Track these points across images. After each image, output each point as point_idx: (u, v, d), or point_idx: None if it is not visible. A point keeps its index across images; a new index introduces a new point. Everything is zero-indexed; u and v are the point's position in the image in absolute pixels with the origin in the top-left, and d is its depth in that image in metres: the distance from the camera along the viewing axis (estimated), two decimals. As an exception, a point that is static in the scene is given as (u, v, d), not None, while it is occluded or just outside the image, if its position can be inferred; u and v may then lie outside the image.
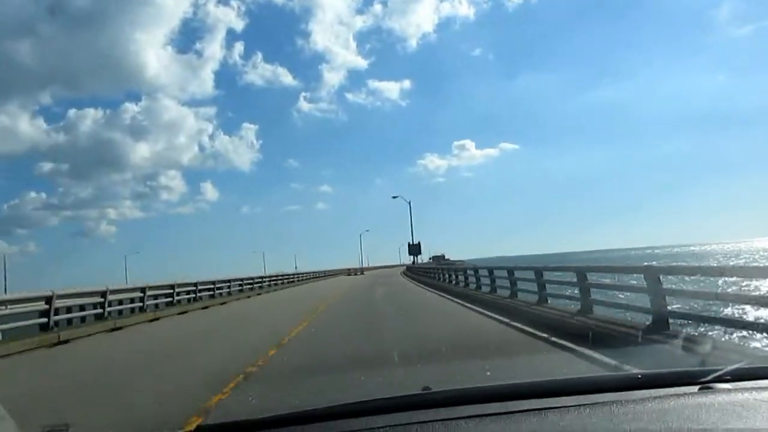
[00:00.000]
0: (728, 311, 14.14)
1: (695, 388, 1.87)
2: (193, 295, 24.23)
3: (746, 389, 1.79)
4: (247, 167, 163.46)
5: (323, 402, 1.83)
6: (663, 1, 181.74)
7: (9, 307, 12.20)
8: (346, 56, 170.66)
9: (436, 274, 32.93)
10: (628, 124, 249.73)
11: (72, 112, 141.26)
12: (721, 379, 1.92)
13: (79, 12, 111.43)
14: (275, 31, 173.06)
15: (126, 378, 7.76)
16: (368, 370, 6.69)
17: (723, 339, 8.81)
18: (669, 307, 8.39)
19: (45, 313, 12.85)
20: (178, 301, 22.23)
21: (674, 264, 27.60)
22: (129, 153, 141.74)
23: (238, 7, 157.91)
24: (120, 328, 14.52)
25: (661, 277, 8.54)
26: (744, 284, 20.37)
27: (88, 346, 11.81)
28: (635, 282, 10.93)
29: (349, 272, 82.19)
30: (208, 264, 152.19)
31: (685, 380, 1.96)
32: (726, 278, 16.61)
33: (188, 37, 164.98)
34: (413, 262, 63.75)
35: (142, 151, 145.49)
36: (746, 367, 2.01)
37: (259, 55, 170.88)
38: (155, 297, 20.81)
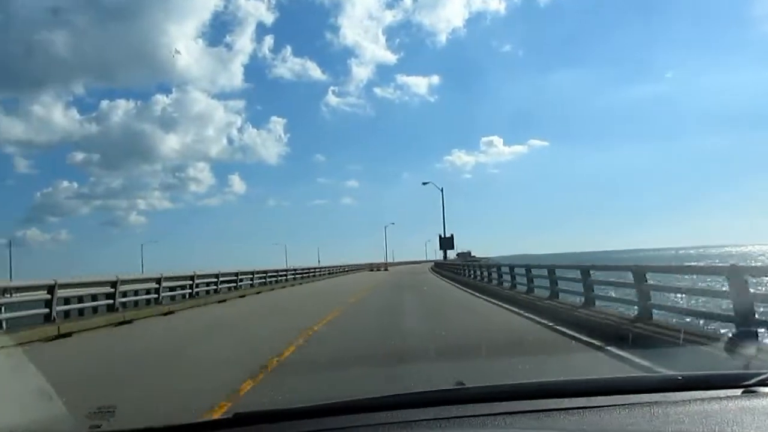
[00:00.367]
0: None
1: (738, 392, 1.81)
2: (214, 287, 23.39)
3: None
4: (275, 160, 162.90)
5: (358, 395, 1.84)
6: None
7: (6, 295, 11.26)
8: (375, 51, 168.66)
9: (467, 272, 31.52)
10: (662, 121, 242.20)
11: (104, 103, 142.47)
12: (765, 383, 1.84)
13: (112, 3, 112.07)
14: (305, 24, 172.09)
15: (101, 391, 6.10)
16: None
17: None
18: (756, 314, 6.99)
19: (48, 304, 11.95)
20: (197, 293, 21.33)
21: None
22: (159, 144, 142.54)
23: (269, 1, 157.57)
24: (129, 322, 13.53)
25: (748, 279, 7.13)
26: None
27: (88, 341, 10.82)
28: (705, 284, 9.50)
29: (371, 268, 74.31)
30: (230, 256, 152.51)
31: (728, 383, 1.90)
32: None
33: (219, 30, 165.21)
34: (444, 257, 55.65)
35: (171, 143, 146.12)
36: None
37: (289, 49, 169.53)
38: (172, 288, 19.96)
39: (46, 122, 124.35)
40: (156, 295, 18.00)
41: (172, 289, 20.07)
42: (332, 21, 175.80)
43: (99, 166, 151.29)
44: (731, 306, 7.31)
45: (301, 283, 36.06)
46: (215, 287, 23.30)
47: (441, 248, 54.06)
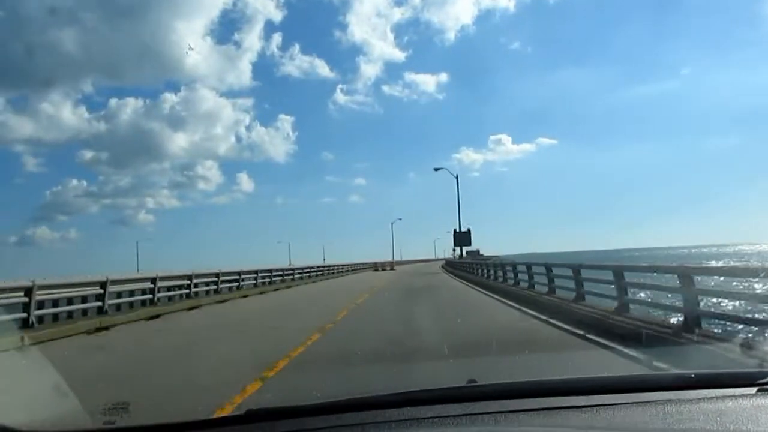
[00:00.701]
0: None
1: (753, 390, 1.80)
2: (215, 287, 22.36)
3: None
4: (283, 159, 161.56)
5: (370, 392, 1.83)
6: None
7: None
8: (384, 48, 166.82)
9: (478, 270, 30.18)
10: (672, 120, 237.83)
11: (113, 101, 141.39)
12: None
13: (121, 0, 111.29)
14: (313, 22, 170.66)
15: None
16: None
17: None
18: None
19: (25, 307, 10.89)
20: (195, 294, 20.32)
21: None
22: (167, 143, 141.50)
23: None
24: (106, 328, 12.07)
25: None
26: None
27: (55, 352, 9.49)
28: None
29: (376, 267, 66.79)
30: (234, 254, 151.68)
31: (742, 381, 1.89)
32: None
33: (227, 28, 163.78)
34: (460, 255, 47.97)
35: (180, 141, 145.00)
36: None
37: (297, 47, 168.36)
38: (168, 289, 18.95)
39: (55, 120, 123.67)
40: (150, 296, 16.93)
41: (170, 289, 19.16)
42: (340, 18, 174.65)
43: (108, 164, 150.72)
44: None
45: (276, 289, 27.98)
46: (215, 287, 22.31)
47: (456, 244, 46.54)
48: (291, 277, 34.96)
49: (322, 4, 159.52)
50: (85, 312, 13.94)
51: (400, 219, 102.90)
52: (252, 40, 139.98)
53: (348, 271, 54.32)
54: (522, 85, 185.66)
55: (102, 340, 10.82)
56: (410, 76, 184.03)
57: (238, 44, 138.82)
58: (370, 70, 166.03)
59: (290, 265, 43.61)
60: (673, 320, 9.43)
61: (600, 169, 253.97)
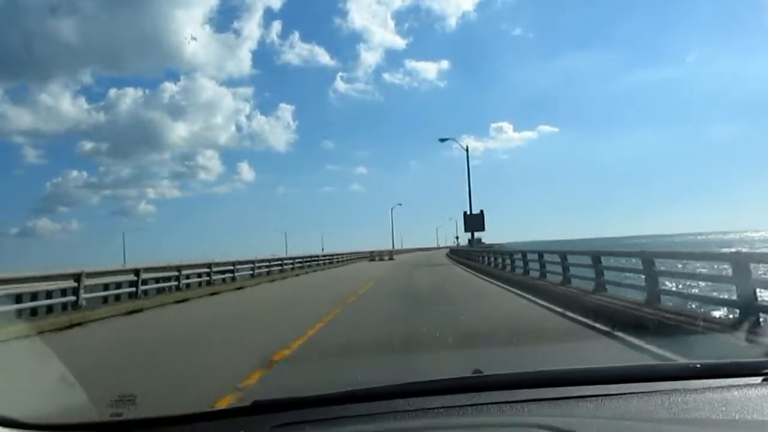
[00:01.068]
0: None
1: (758, 379, 1.76)
2: (207, 278, 21.28)
3: None
4: (284, 147, 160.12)
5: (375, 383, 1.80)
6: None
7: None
8: (384, 36, 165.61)
9: (486, 261, 28.97)
10: (675, 107, 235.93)
11: (112, 91, 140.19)
12: None
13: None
14: (313, 9, 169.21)
15: None
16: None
17: None
18: None
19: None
20: (187, 285, 19.28)
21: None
22: (167, 132, 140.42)
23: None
24: (79, 324, 10.92)
25: None
26: None
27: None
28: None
29: (372, 257, 57.57)
30: (234, 243, 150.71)
31: (748, 371, 1.85)
32: None
33: (226, 16, 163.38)
34: (471, 241, 40.99)
35: (180, 131, 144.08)
36: None
37: (297, 35, 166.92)
38: (156, 281, 17.86)
39: (55, 111, 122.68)
40: (134, 289, 15.77)
41: (157, 281, 18.08)
42: (340, 5, 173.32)
43: (108, 155, 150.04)
44: None
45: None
46: (208, 278, 21.26)
47: (467, 229, 40.16)
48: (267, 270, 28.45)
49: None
50: (64, 306, 12.92)
51: (400, 204, 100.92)
52: (251, 28, 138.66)
53: (340, 261, 46.35)
54: (523, 72, 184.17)
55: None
56: (411, 64, 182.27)
57: (237, 32, 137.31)
58: (370, 57, 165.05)
59: (286, 254, 41.65)
60: (716, 314, 8.29)
61: (602, 157, 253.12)
